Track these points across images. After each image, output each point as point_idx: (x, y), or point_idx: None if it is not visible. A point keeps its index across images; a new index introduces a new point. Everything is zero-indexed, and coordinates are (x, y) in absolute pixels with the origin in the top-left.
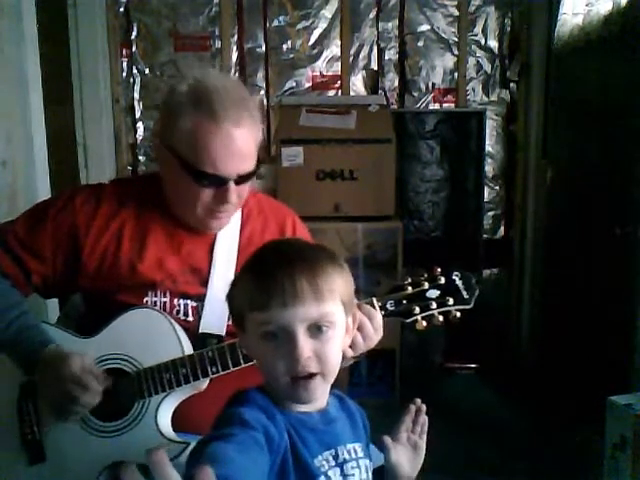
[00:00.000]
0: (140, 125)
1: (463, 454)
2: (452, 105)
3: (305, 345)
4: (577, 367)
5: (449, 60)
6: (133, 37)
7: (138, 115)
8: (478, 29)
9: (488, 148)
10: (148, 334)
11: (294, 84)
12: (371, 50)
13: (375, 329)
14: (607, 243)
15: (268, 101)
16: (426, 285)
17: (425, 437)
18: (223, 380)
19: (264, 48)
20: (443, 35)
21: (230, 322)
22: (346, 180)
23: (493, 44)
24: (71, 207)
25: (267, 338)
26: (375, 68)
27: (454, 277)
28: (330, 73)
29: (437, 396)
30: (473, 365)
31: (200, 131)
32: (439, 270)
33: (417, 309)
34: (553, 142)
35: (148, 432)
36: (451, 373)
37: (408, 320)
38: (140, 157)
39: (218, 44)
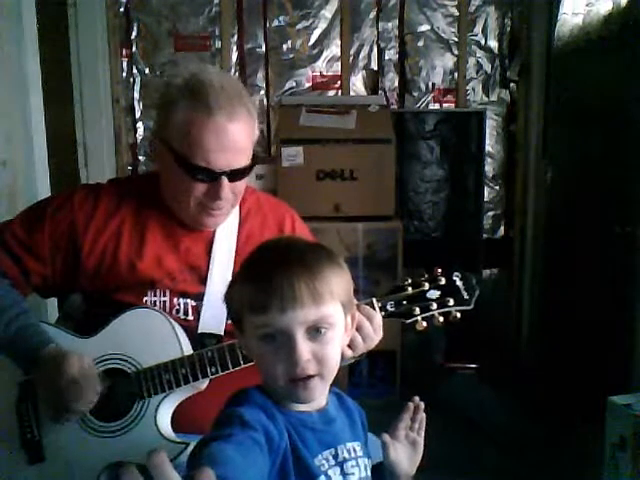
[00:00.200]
0: (140, 125)
1: (463, 454)
2: (452, 105)
3: (304, 348)
4: (577, 367)
5: (449, 60)
6: (133, 37)
7: (138, 115)
8: (478, 29)
9: (488, 148)
10: (147, 334)
11: (294, 84)
12: (371, 50)
13: (375, 330)
14: (607, 243)
15: (268, 101)
16: (426, 286)
17: (423, 434)
18: (223, 380)
19: (264, 48)
20: (443, 35)
21: (229, 321)
22: (346, 180)
23: (493, 44)
24: (69, 206)
25: (266, 340)
26: (375, 68)
27: (454, 277)
28: (330, 73)
29: (437, 396)
30: (473, 365)
31: (193, 124)
32: (439, 271)
33: (417, 310)
34: (553, 142)
35: (148, 432)
36: (451, 373)
37: (408, 321)
38: (140, 157)
39: (218, 44)
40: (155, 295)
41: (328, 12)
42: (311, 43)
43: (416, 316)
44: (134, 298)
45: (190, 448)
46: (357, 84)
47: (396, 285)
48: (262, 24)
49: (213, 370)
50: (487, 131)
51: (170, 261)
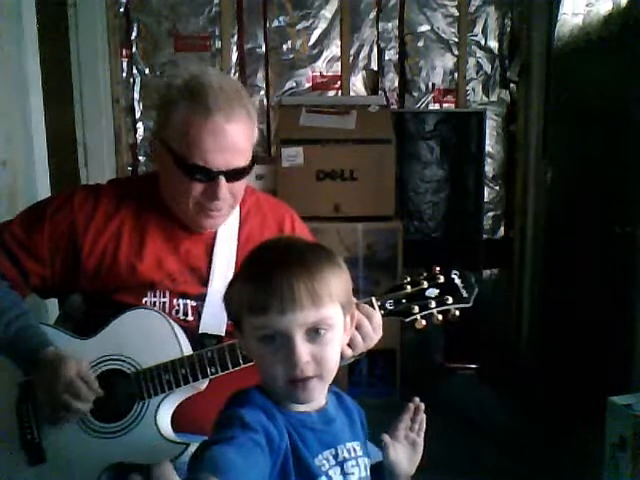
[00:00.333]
0: (140, 125)
1: (463, 454)
2: (452, 105)
3: (303, 349)
4: (577, 367)
5: (449, 60)
6: (133, 37)
7: (138, 115)
8: (478, 29)
9: (488, 148)
10: (147, 335)
11: (294, 84)
12: (371, 50)
13: (374, 329)
14: (607, 243)
15: (268, 101)
16: (425, 284)
17: (423, 434)
18: (223, 380)
19: (264, 48)
20: (443, 35)
21: (230, 322)
22: (346, 180)
23: (493, 44)
24: (69, 207)
25: (265, 341)
26: (375, 68)
27: (453, 276)
28: (330, 73)
29: (437, 396)
30: (473, 365)
31: (192, 124)
32: (438, 269)
33: (416, 308)
34: (553, 142)
35: (148, 433)
36: (451, 373)
37: (407, 319)
38: (140, 157)
39: (218, 44)
40: (155, 296)
41: (328, 12)
42: (311, 43)
43: (415, 314)
44: (134, 299)
45: (190, 449)
46: (357, 84)
47: (395, 284)
48: (262, 24)
49: (213, 370)
50: (487, 131)
51: (170, 263)
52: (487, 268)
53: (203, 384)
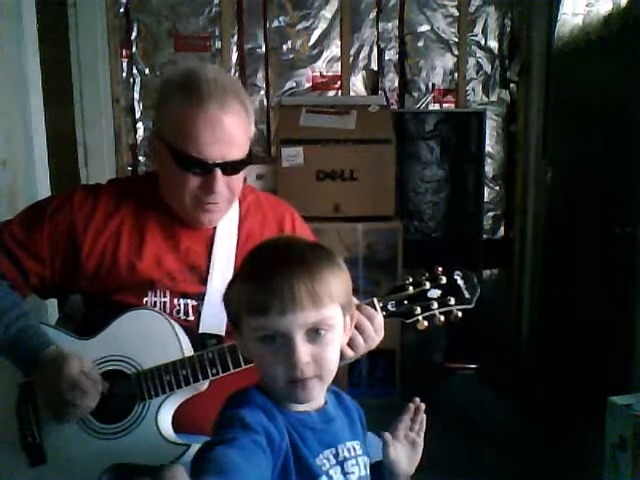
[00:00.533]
0: (140, 125)
1: (463, 454)
2: (452, 105)
3: (303, 350)
4: (577, 367)
5: (449, 60)
6: (133, 37)
7: (138, 115)
8: (478, 29)
9: (488, 148)
10: (148, 335)
11: (294, 84)
12: (371, 50)
13: (376, 330)
14: (607, 243)
15: (268, 101)
16: (427, 285)
17: (423, 434)
18: (223, 381)
19: (264, 48)
20: (443, 35)
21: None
22: (346, 180)
23: (493, 44)
24: (69, 207)
25: (265, 341)
26: (375, 68)
27: (456, 276)
28: (330, 73)
29: (437, 396)
30: (473, 365)
31: (186, 116)
32: (440, 269)
33: (418, 309)
34: (553, 142)
35: (149, 434)
36: (451, 373)
37: (409, 320)
38: (140, 157)
39: (218, 44)
40: (155, 295)
41: (328, 12)
42: (311, 43)
43: (417, 316)
44: (134, 299)
45: (191, 450)
46: (357, 84)
47: (397, 285)
48: (262, 24)
49: (214, 371)
50: (487, 131)
51: (170, 261)
52: (487, 268)
53: (204, 385)
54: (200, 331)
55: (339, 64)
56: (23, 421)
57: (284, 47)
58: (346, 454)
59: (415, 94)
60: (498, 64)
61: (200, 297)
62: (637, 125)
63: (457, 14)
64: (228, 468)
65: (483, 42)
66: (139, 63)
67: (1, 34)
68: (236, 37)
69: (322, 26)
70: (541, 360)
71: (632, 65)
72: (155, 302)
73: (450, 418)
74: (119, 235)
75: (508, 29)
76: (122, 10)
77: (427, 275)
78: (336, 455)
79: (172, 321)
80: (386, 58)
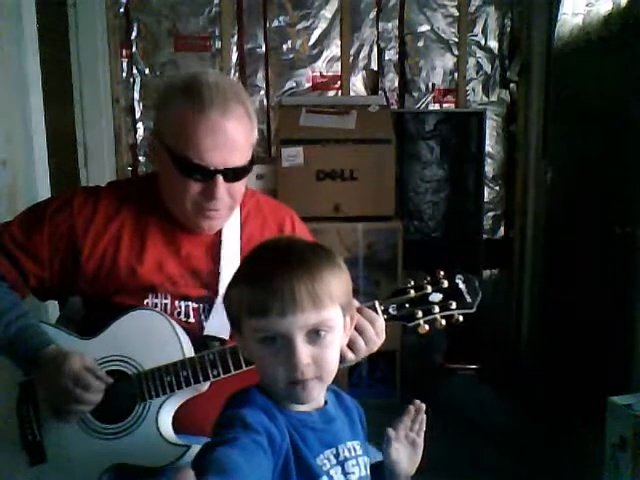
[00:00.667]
0: (140, 125)
1: (463, 454)
2: (452, 105)
3: (304, 351)
4: (577, 367)
5: (449, 60)
6: (133, 37)
7: (138, 115)
8: (478, 29)
9: (488, 148)
10: (149, 336)
11: (294, 84)
12: (371, 50)
13: (377, 333)
14: (607, 243)
15: (268, 101)
16: (429, 288)
17: (423, 435)
18: (224, 381)
19: (264, 48)
20: (443, 35)
21: None
22: (346, 180)
23: (493, 44)
24: (69, 209)
25: (265, 343)
26: (375, 68)
27: (457, 280)
28: (330, 73)
29: (437, 396)
30: (473, 366)
31: (188, 121)
32: (442, 273)
33: (420, 313)
34: (553, 142)
35: (149, 434)
36: (451, 374)
37: (410, 324)
38: (140, 157)
39: (218, 44)
40: (156, 297)
41: (328, 12)
42: (311, 43)
43: (418, 319)
44: (134, 301)
45: (191, 450)
46: (357, 84)
47: (398, 288)
48: (262, 24)
49: (215, 373)
50: (487, 131)
51: (171, 266)
52: (487, 268)
53: (205, 386)
54: (205, 333)
55: (339, 64)
56: (23, 420)
57: (284, 47)
58: (346, 454)
59: (415, 94)
60: (498, 64)
61: (201, 300)
62: (637, 125)
63: (457, 14)
64: (229, 468)
65: (483, 42)
66: (139, 63)
67: (1, 34)
68: (236, 37)
69: (322, 26)
70: (541, 360)
71: (632, 65)
72: (156, 304)
73: (450, 418)
74: (119, 239)
75: (508, 29)
76: (122, 10)
77: (429, 279)
78: (337, 455)
79: (173, 321)
80: (386, 58)
